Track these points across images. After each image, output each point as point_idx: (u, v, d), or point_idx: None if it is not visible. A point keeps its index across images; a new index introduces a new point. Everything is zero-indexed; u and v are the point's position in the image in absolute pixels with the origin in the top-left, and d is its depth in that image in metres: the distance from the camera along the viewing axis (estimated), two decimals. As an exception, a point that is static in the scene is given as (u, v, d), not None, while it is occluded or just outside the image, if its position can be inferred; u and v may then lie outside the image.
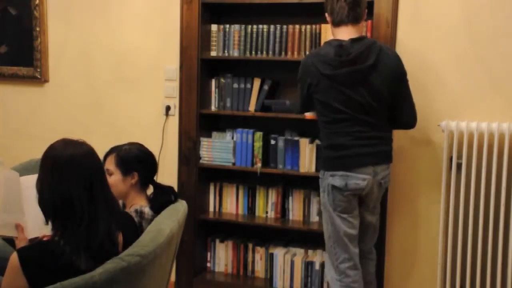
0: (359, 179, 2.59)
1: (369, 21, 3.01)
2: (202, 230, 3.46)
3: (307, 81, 2.66)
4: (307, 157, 3.20)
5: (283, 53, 3.22)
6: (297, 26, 3.19)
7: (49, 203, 1.81)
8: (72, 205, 1.78)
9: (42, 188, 1.83)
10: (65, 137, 1.92)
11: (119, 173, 2.44)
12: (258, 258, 3.43)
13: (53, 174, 1.80)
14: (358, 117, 2.59)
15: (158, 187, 2.52)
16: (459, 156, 2.97)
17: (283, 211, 3.38)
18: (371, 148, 2.63)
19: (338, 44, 2.60)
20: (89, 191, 1.81)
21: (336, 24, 2.67)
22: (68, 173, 1.80)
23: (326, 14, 2.71)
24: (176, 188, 3.29)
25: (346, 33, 2.64)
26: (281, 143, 3.25)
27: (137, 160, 2.47)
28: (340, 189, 2.60)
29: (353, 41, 2.60)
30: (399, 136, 3.05)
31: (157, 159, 2.58)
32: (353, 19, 2.65)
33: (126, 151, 2.47)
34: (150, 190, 2.55)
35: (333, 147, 2.64)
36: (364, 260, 2.84)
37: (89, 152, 1.88)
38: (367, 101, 2.58)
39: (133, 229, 2.15)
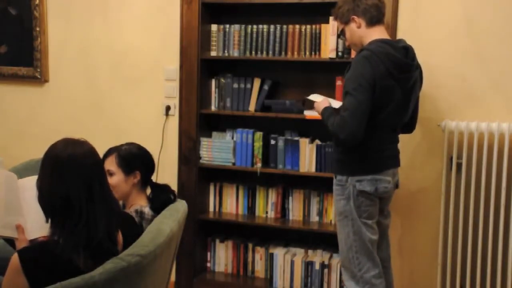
0: (386, 182, 2.54)
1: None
2: (202, 230, 3.46)
3: (372, 79, 2.40)
4: (307, 157, 3.20)
5: (283, 53, 3.22)
6: (297, 26, 3.19)
7: (48, 201, 1.82)
8: (70, 203, 1.78)
9: (42, 186, 1.83)
10: (66, 137, 1.92)
11: (121, 173, 2.43)
12: (258, 258, 3.43)
13: (52, 173, 1.81)
14: (395, 123, 2.57)
15: (156, 186, 2.52)
16: (459, 156, 2.97)
17: (283, 211, 3.38)
18: (393, 151, 2.63)
19: (403, 46, 2.51)
20: (88, 190, 1.81)
21: (373, 23, 2.53)
22: (67, 172, 1.80)
23: (354, 17, 2.54)
24: (176, 188, 3.30)
25: (382, 33, 2.54)
26: (281, 143, 3.25)
27: (138, 159, 2.47)
28: (369, 193, 2.50)
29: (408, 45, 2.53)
30: (399, 136, 3.04)
31: (157, 159, 2.58)
32: (383, 19, 2.58)
33: (126, 151, 2.47)
34: (148, 191, 2.55)
35: (365, 150, 2.50)
36: (384, 270, 2.70)
37: (90, 151, 1.88)
38: (409, 109, 2.59)
39: (133, 229, 2.15)
